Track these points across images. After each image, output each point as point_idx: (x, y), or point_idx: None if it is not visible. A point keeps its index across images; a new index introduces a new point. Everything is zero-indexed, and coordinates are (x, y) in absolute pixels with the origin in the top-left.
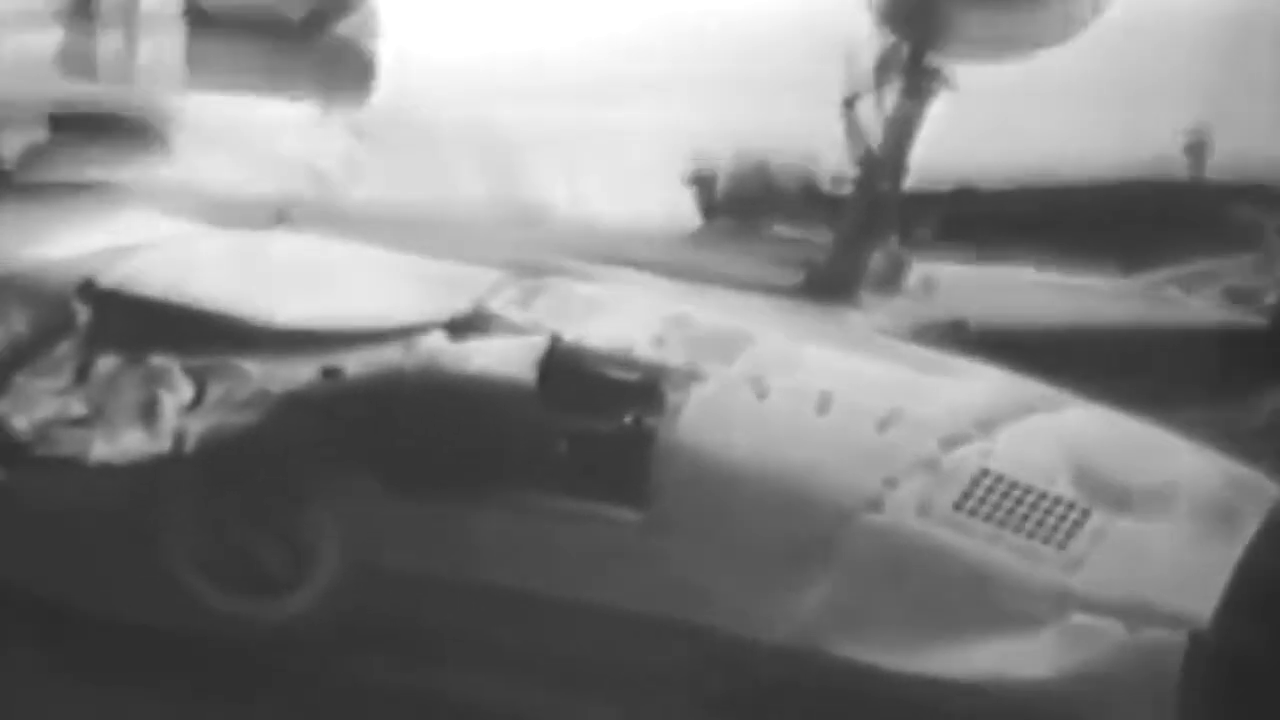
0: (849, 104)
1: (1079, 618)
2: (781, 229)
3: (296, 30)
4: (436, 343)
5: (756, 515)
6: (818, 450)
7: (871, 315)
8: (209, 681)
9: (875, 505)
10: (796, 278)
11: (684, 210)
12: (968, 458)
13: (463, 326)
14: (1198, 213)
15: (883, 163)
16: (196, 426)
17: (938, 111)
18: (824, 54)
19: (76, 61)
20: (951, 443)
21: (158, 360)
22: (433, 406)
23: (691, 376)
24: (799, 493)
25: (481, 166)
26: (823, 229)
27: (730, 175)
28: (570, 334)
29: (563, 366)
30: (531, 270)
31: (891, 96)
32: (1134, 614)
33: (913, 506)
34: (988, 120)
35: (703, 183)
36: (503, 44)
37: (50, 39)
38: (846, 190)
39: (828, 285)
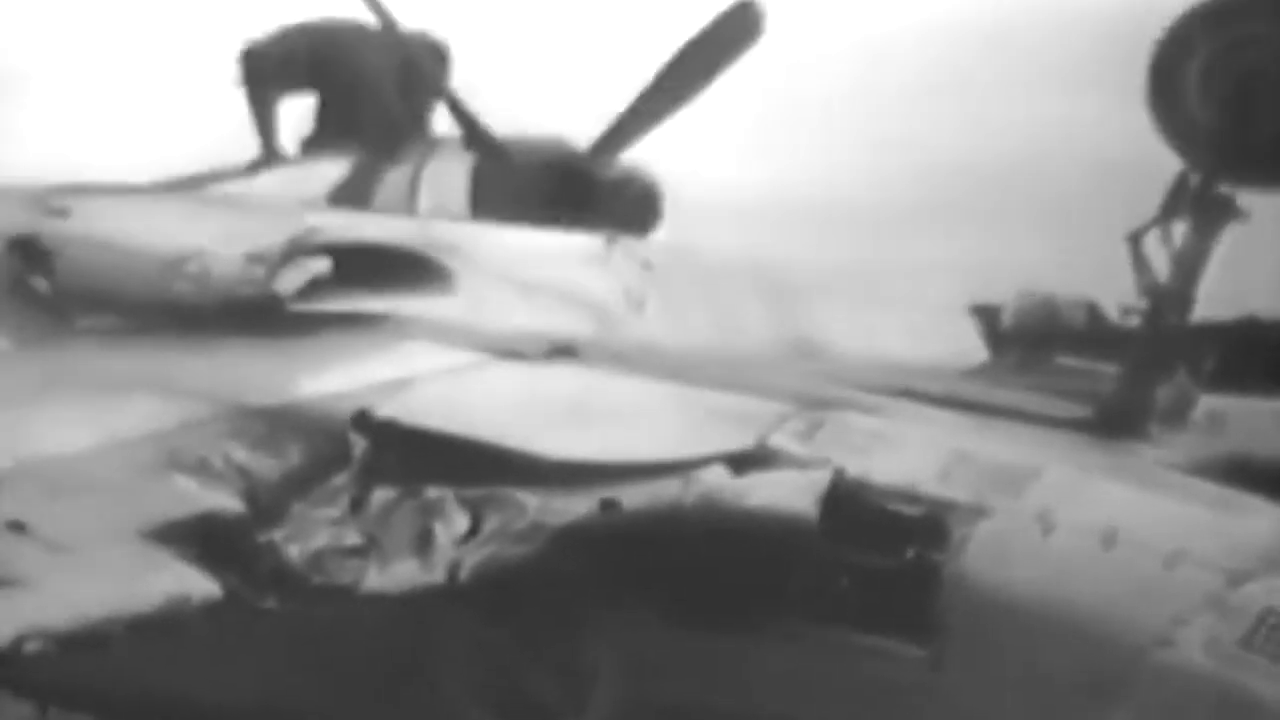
0: (1136, 237)
1: None
2: (1068, 361)
3: (583, 163)
4: (717, 477)
5: (1044, 651)
6: (1105, 586)
7: (1159, 449)
8: None
9: (1166, 642)
10: (1084, 411)
11: (969, 343)
12: (1254, 595)
13: (744, 460)
14: None
15: (1170, 295)
16: (471, 557)
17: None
18: (1109, 186)
19: (357, 193)
20: (1238, 580)
21: (433, 491)
22: (713, 540)
23: (977, 511)
24: (1087, 629)
25: (764, 300)
26: (1110, 362)
27: (1016, 308)
28: (854, 468)
29: (846, 501)
30: (815, 403)
31: (1180, 228)
32: None
33: (1200, 644)
34: (1272, 249)
35: (988, 315)
36: (787, 179)
37: (331, 170)
38: (1134, 323)
39: (1115, 419)
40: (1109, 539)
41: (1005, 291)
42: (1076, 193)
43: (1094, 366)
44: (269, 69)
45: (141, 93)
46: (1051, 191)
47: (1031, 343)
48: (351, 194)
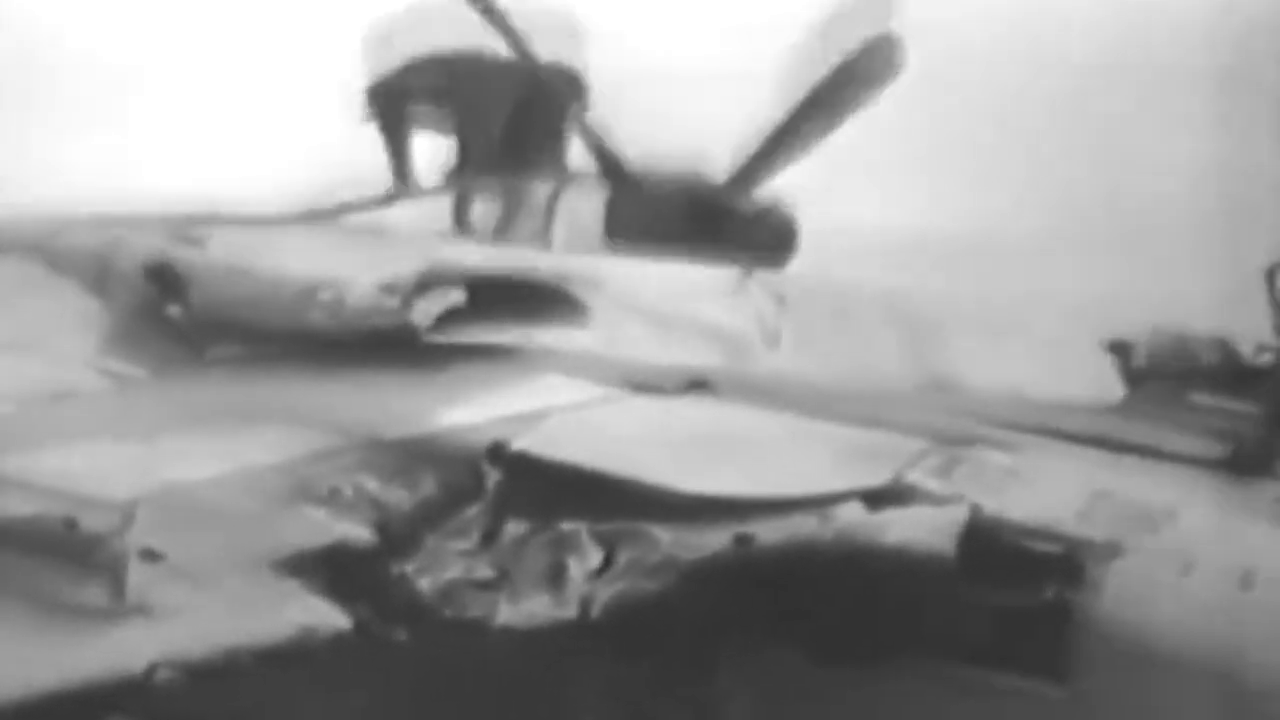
0: (1272, 273)
1: None
2: (1203, 399)
3: (718, 195)
4: (853, 513)
5: (1181, 692)
6: (1243, 627)
7: None
8: None
9: None
10: (1221, 449)
11: (1106, 380)
12: None
13: (881, 497)
14: None
15: None
16: (604, 592)
17: None
18: (1245, 222)
19: (473, 225)
20: None
21: (566, 525)
22: (848, 577)
23: (1115, 550)
24: (1225, 670)
25: (899, 334)
26: (1244, 400)
27: (1149, 345)
28: (991, 505)
29: (983, 538)
30: (952, 440)
31: None
32: None
33: None
34: None
35: (1123, 352)
36: (923, 213)
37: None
38: (1268, 360)
39: (1250, 458)
40: (1247, 580)
41: (1141, 328)
42: (1213, 229)
43: (1228, 405)
44: (392, 99)
45: (278, 122)
46: (1188, 227)
47: (1166, 380)
48: (470, 225)
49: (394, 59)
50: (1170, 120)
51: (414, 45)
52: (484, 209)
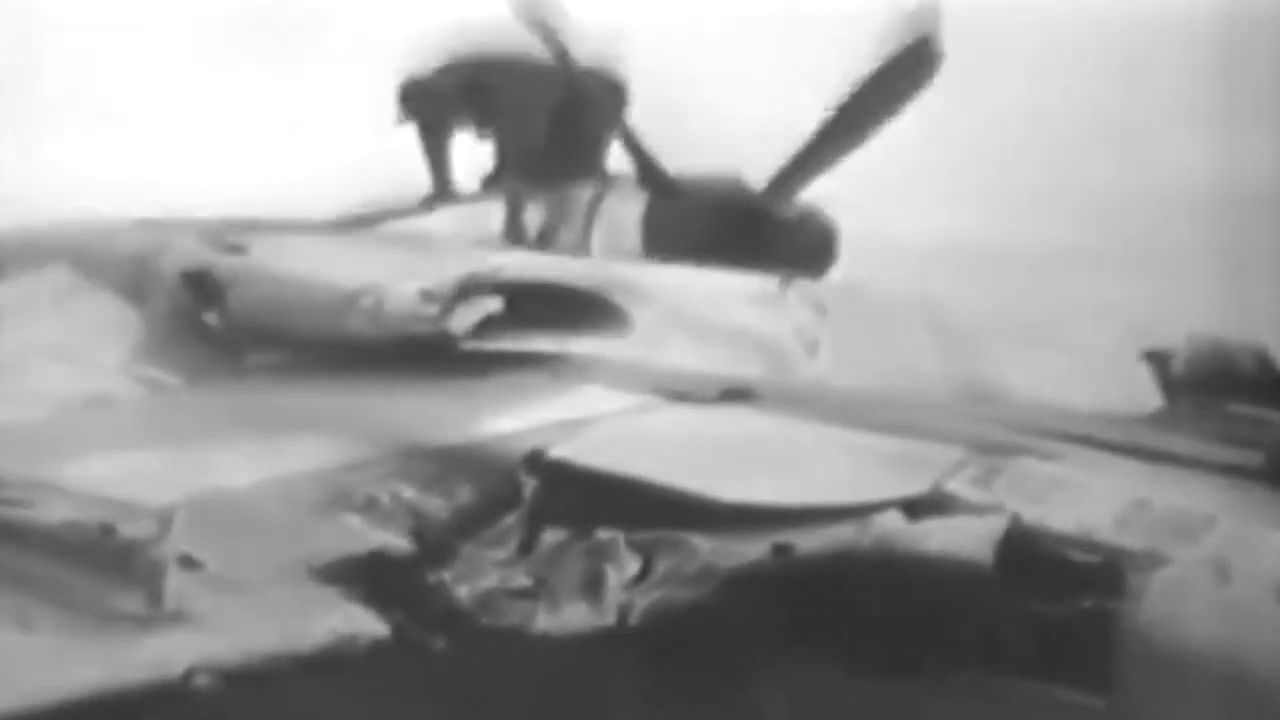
0: None
1: None
2: (1240, 408)
3: (758, 202)
4: (892, 522)
5: (1220, 702)
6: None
7: None
8: None
9: None
10: (1257, 459)
11: (1142, 389)
12: None
13: (920, 506)
14: None
15: None
16: (642, 601)
17: None
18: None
19: (530, 231)
20: None
21: (604, 534)
22: (888, 586)
23: (1154, 560)
24: (1261, 680)
25: (938, 343)
26: None
27: (1187, 353)
28: (1030, 515)
29: (1022, 548)
30: (991, 449)
31: None
32: None
33: None
34: None
35: (1161, 361)
36: (963, 222)
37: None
38: None
39: None
40: None
41: (1178, 337)
42: (1248, 236)
43: (1266, 414)
44: (431, 103)
45: (318, 128)
46: (1223, 235)
47: (1203, 389)
48: (511, 233)
49: (430, 60)
50: (1208, 128)
51: (451, 46)
52: (525, 215)
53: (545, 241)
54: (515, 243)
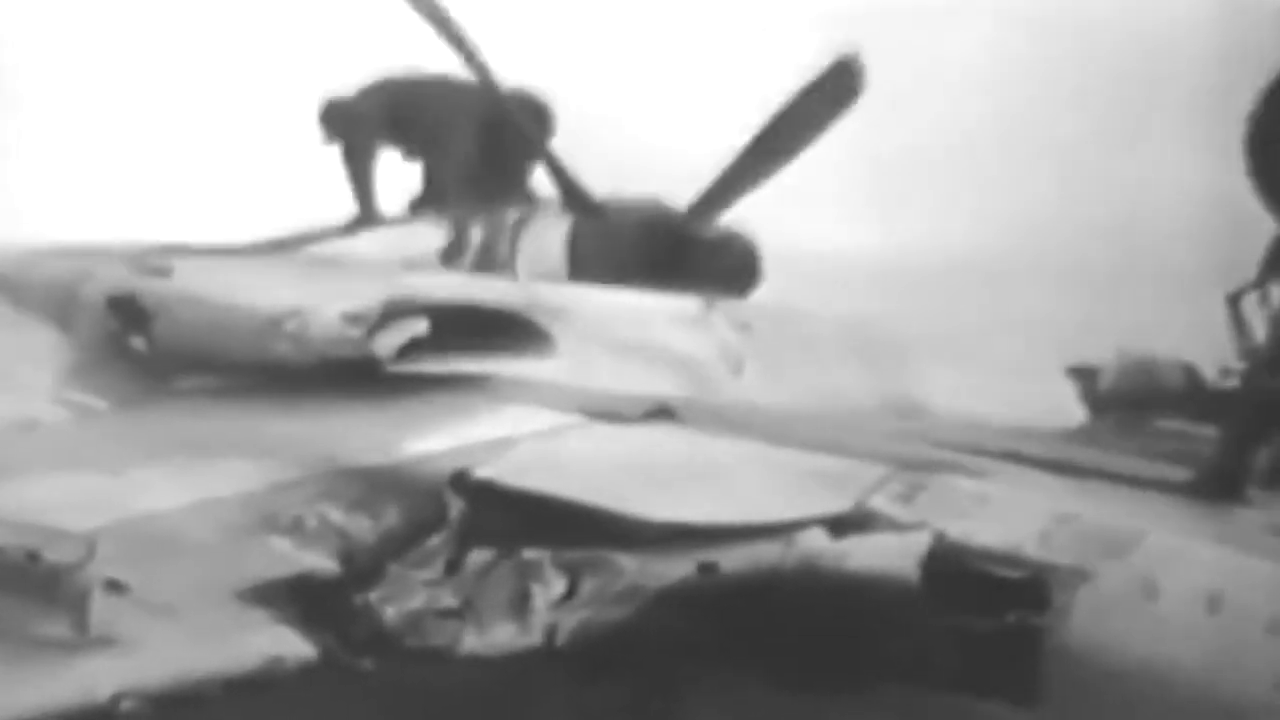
0: (1235, 298)
1: None
2: (1167, 424)
3: (681, 224)
4: (816, 540)
5: (1147, 715)
6: (1208, 652)
7: (1259, 512)
8: None
9: (1270, 709)
10: (1184, 474)
11: (1069, 404)
12: None
13: (843, 523)
14: None
15: (1269, 358)
16: (568, 620)
17: None
18: (1209, 247)
19: (455, 254)
20: None
21: (530, 554)
22: (812, 603)
23: (1080, 575)
24: (1191, 694)
25: (863, 361)
26: (1208, 424)
27: (1114, 369)
28: (955, 531)
29: (947, 564)
30: (915, 465)
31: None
32: None
33: None
34: None
35: (1086, 377)
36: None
37: (431, 231)
38: (1232, 385)
39: (1215, 482)
40: (1213, 604)
41: (1104, 352)
42: (1176, 253)
43: (1193, 429)
44: (353, 125)
45: (239, 152)
46: (1152, 252)
47: (1130, 405)
48: (450, 255)
49: (350, 82)
50: (1134, 145)
51: (371, 69)
52: (449, 238)
53: (484, 263)
54: (453, 264)
